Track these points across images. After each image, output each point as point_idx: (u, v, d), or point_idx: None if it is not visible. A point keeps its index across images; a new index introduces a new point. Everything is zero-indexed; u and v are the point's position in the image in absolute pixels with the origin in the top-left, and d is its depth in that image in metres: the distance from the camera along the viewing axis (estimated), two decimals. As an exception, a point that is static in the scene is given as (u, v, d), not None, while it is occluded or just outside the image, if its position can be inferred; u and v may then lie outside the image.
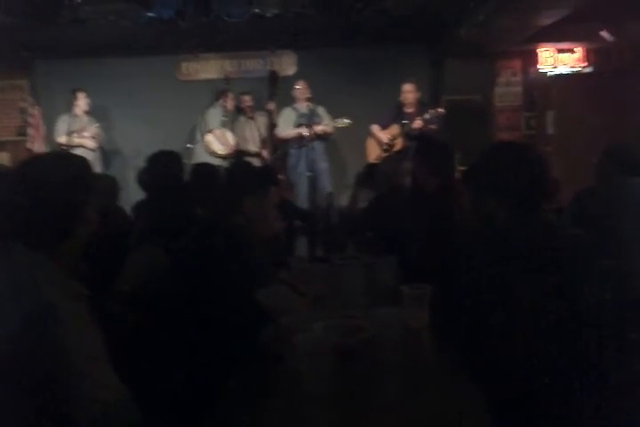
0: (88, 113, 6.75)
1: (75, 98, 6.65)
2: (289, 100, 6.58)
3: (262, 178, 2.64)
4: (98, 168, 6.27)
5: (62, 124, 6.61)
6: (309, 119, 6.20)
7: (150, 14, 5.95)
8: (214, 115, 6.67)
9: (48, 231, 1.48)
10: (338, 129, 6.32)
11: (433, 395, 1.64)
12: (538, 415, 1.51)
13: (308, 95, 6.33)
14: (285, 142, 6.48)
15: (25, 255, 1.49)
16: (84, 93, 6.69)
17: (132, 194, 4.77)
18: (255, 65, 7.37)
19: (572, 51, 7.10)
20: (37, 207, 1.46)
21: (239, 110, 6.84)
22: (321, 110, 6.45)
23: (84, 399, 1.37)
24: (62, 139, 6.54)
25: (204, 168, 3.97)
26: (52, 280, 1.46)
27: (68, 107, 6.68)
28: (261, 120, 6.58)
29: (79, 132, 6.55)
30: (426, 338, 1.91)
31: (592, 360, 1.47)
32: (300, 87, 6.43)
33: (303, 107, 6.32)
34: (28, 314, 1.37)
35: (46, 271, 1.47)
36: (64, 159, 1.63)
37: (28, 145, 6.99)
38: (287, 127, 6.41)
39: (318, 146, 6.31)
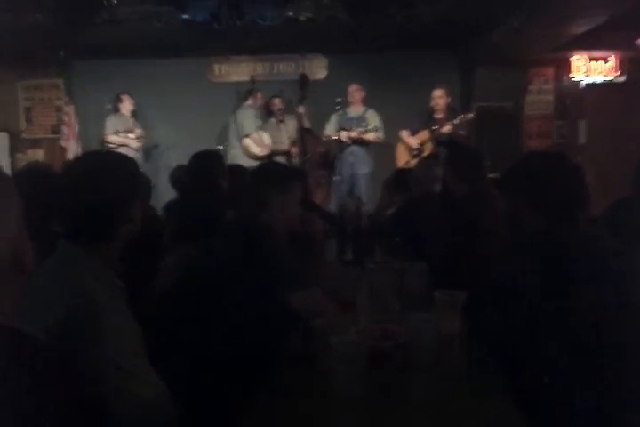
0: (133, 114, 6.90)
1: (119, 100, 6.83)
2: (319, 104, 6.61)
3: (287, 174, 2.65)
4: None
5: (110, 124, 6.75)
6: (354, 123, 6.22)
7: (185, 16, 6.02)
8: (247, 117, 6.69)
9: (94, 229, 1.52)
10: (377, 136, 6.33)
11: (464, 401, 1.65)
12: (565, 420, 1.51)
13: (356, 98, 6.38)
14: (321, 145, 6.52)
15: (69, 252, 1.53)
16: (129, 96, 6.85)
17: (160, 196, 4.84)
18: (286, 68, 7.43)
19: (605, 59, 7.03)
20: (86, 205, 1.50)
21: (269, 113, 6.88)
22: (370, 114, 6.43)
23: (124, 395, 1.40)
24: (109, 137, 6.70)
25: (235, 169, 4.01)
26: (95, 277, 1.50)
27: (103, 106, 6.80)
28: (291, 123, 6.62)
29: (125, 133, 6.71)
30: (458, 345, 1.91)
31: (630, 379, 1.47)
32: (349, 90, 6.46)
33: (352, 110, 6.35)
34: (70, 309, 1.41)
35: (90, 268, 1.51)
36: (113, 159, 1.67)
37: (62, 143, 7.10)
38: (333, 129, 6.43)
39: (358, 150, 6.31)
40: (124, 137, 6.69)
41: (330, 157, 6.42)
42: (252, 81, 6.89)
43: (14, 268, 0.94)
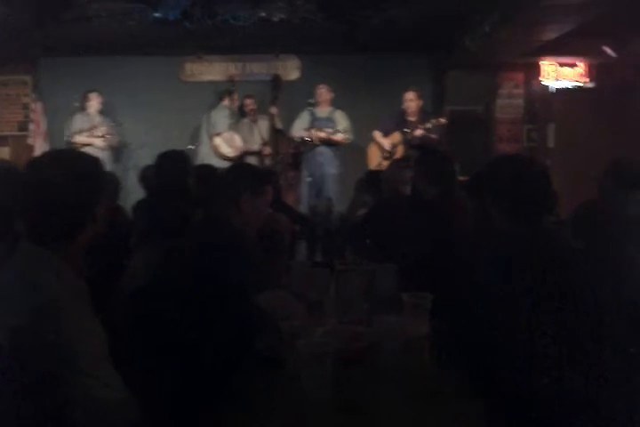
0: (99, 113, 6.76)
1: (87, 99, 6.66)
2: (291, 104, 6.59)
3: (258, 177, 2.65)
4: (107, 167, 6.28)
5: (75, 123, 6.61)
6: (322, 124, 6.21)
7: (156, 15, 5.97)
8: (221, 117, 6.65)
9: (58, 229, 1.49)
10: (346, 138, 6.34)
11: (430, 404, 1.65)
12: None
13: (324, 99, 6.37)
14: (292, 145, 6.51)
15: (32, 252, 1.50)
16: (97, 93, 6.69)
17: (130, 195, 4.78)
18: (259, 68, 7.40)
19: (574, 65, 7.14)
20: (49, 205, 1.46)
21: (242, 113, 6.85)
22: (338, 115, 6.43)
23: (87, 398, 1.38)
24: (74, 138, 6.55)
25: (204, 169, 3.98)
26: (58, 278, 1.46)
27: (71, 104, 6.67)
28: (263, 124, 6.59)
29: (90, 131, 6.56)
30: (425, 347, 1.92)
31: (599, 373, 1.48)
32: (317, 91, 6.45)
33: (319, 111, 6.33)
34: (33, 310, 1.38)
35: (52, 269, 1.47)
36: (77, 157, 1.64)
37: (29, 140, 6.98)
38: (300, 129, 6.40)
39: (326, 151, 6.30)
40: (88, 136, 6.53)
41: (299, 157, 6.41)
42: (231, 81, 6.84)
43: None
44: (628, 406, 1.48)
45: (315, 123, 6.28)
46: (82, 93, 6.69)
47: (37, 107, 7.03)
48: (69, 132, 6.61)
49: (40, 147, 6.86)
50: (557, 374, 1.58)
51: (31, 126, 7.01)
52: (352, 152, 6.77)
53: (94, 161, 1.62)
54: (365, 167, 6.24)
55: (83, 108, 6.69)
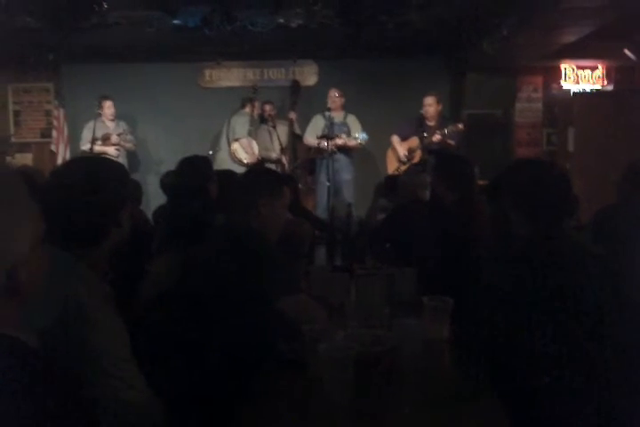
0: (115, 120, 6.80)
1: (101, 106, 6.70)
2: (310, 110, 6.62)
3: (277, 180, 2.66)
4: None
5: (87, 132, 6.65)
6: (337, 129, 6.21)
7: (176, 22, 6.02)
8: (242, 123, 6.70)
9: (83, 235, 1.51)
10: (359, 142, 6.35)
11: (451, 407, 1.65)
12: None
13: (338, 104, 6.37)
14: (310, 150, 6.52)
15: (57, 257, 1.53)
16: (111, 102, 6.72)
17: (151, 201, 4.83)
18: (277, 74, 7.44)
19: (594, 68, 7.10)
20: (74, 211, 1.49)
21: (261, 119, 6.89)
22: (351, 120, 6.45)
23: (112, 399, 1.40)
24: (86, 146, 6.59)
25: (225, 174, 4.01)
26: (83, 281, 1.49)
27: (92, 110, 6.75)
28: (282, 129, 6.62)
29: (103, 140, 6.59)
30: (446, 350, 1.92)
31: (615, 381, 1.48)
32: (330, 95, 6.45)
33: (333, 115, 6.35)
34: (59, 313, 1.40)
35: (78, 272, 1.50)
36: (102, 163, 1.67)
37: (52, 147, 7.06)
38: (314, 135, 6.41)
39: (342, 157, 6.31)
40: (101, 144, 6.54)
41: (315, 163, 6.44)
42: (254, 89, 6.86)
43: (8, 293, 0.94)
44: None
45: (329, 128, 6.29)
46: (96, 100, 6.72)
47: (60, 113, 7.12)
48: (83, 140, 6.67)
49: (62, 153, 6.95)
50: (574, 377, 1.58)
51: (54, 133, 7.09)
52: (371, 157, 6.79)
53: (119, 167, 1.65)
54: (383, 171, 6.25)
55: (97, 116, 6.72)
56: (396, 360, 1.79)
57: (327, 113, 6.32)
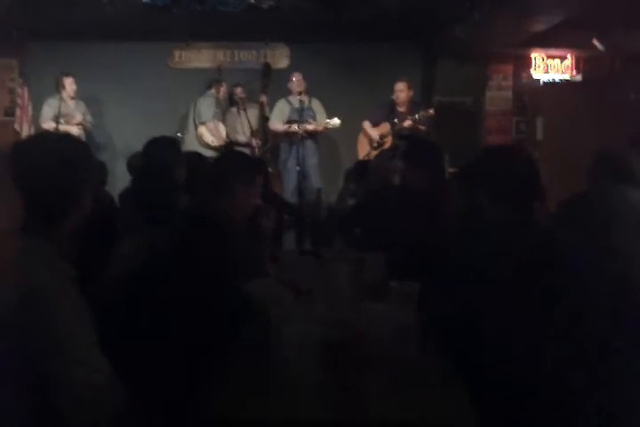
0: (75, 98, 6.63)
1: (61, 82, 6.46)
2: (281, 93, 6.56)
3: (252, 166, 2.67)
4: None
5: (49, 109, 6.48)
6: (302, 114, 6.17)
7: (145, 0, 5.89)
8: (207, 106, 6.63)
9: (43, 214, 1.47)
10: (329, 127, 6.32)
11: (417, 392, 1.66)
12: (526, 416, 1.53)
13: (303, 88, 6.32)
14: (277, 135, 6.48)
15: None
16: (72, 78, 6.52)
17: (118, 182, 4.75)
18: (248, 56, 7.35)
19: (563, 58, 7.16)
20: (34, 189, 1.44)
21: (231, 101, 6.81)
22: (315, 104, 6.42)
23: (75, 383, 1.37)
24: (48, 124, 6.42)
25: (192, 156, 3.95)
26: (45, 263, 1.45)
27: (55, 88, 6.56)
28: (253, 112, 6.55)
29: (66, 119, 6.43)
30: (412, 335, 1.93)
31: (583, 359, 1.49)
32: (294, 79, 6.40)
33: (297, 100, 6.28)
34: (22, 296, 1.36)
35: (40, 254, 1.46)
36: (64, 141, 1.62)
37: (16, 126, 6.89)
38: (280, 120, 6.38)
39: (309, 142, 6.29)
40: (64, 124, 6.36)
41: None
42: (219, 70, 6.78)
43: None
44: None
45: (299, 112, 6.24)
46: (56, 77, 6.47)
47: (24, 92, 6.94)
48: (43, 117, 6.51)
49: (26, 132, 6.77)
50: (541, 363, 1.59)
51: (17, 111, 6.92)
52: (341, 142, 6.77)
53: (82, 145, 1.60)
54: (352, 157, 6.25)
55: (57, 93, 6.48)
56: (363, 345, 1.79)
57: (294, 97, 6.28)
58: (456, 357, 1.79)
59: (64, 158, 1.49)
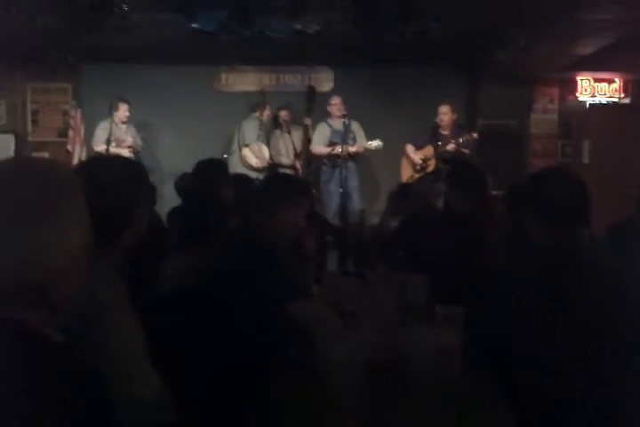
0: (127, 122, 6.81)
1: (116, 107, 6.69)
2: (325, 116, 6.63)
3: (298, 188, 2.68)
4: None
5: (101, 133, 6.67)
6: (343, 136, 6.24)
7: (194, 25, 6.05)
8: (251, 128, 6.74)
9: (104, 232, 1.51)
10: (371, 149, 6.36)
11: (460, 415, 1.64)
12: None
13: (343, 111, 6.38)
14: (319, 158, 6.54)
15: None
16: (127, 105, 6.72)
17: (165, 203, 4.84)
18: (293, 80, 7.46)
19: (610, 81, 7.07)
20: (96, 208, 1.49)
21: (276, 124, 6.91)
22: (355, 126, 6.48)
23: (127, 397, 1.40)
24: (100, 147, 6.60)
25: (240, 178, 4.03)
26: (100, 279, 1.49)
27: (108, 112, 6.77)
28: (297, 134, 6.63)
29: (117, 142, 6.62)
30: (457, 359, 1.91)
31: (630, 395, 1.47)
32: (335, 103, 6.48)
33: (337, 123, 6.35)
34: (78, 309, 1.41)
35: (95, 270, 1.50)
36: (122, 162, 1.68)
37: (68, 147, 7.10)
38: (321, 143, 6.45)
39: (350, 164, 6.34)
40: (115, 146, 6.55)
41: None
42: (262, 93, 6.90)
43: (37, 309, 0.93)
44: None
45: (335, 135, 6.31)
46: (111, 101, 6.70)
47: (77, 114, 7.15)
48: (95, 141, 6.70)
49: (78, 153, 6.97)
50: (587, 386, 1.57)
51: (70, 133, 7.12)
52: (385, 165, 6.78)
53: (136, 166, 1.66)
54: (394, 179, 6.26)
55: (110, 116, 6.70)
56: (407, 368, 1.79)
57: (334, 120, 6.38)
58: (500, 381, 1.77)
59: (124, 179, 1.55)
